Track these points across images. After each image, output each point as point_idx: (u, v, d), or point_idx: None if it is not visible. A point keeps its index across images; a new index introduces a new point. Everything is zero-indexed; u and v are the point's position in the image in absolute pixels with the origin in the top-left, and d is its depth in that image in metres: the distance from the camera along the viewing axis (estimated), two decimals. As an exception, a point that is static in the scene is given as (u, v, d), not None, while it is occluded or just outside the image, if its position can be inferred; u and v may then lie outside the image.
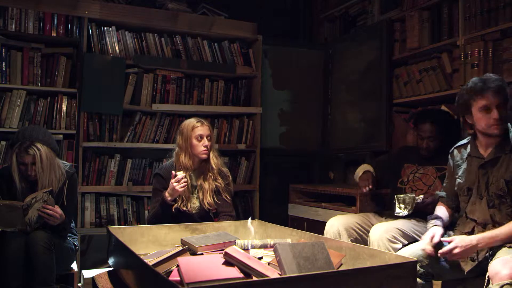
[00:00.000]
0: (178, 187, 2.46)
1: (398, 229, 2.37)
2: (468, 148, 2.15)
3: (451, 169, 2.25)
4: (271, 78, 4.06)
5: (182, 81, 3.63)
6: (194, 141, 2.65)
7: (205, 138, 2.66)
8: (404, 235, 2.37)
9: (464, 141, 2.20)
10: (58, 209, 2.43)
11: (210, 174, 2.69)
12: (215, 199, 2.67)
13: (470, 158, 2.12)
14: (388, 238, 2.31)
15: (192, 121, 2.72)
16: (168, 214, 2.55)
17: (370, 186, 2.74)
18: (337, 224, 2.63)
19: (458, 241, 1.90)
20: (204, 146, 2.65)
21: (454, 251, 1.88)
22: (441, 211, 2.26)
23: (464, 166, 2.15)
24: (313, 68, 4.22)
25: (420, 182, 2.74)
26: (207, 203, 2.64)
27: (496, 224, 1.98)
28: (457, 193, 2.18)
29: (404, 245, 2.33)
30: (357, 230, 2.63)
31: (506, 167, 1.97)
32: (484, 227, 2.01)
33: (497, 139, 2.01)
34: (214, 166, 2.70)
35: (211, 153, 2.70)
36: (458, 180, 2.16)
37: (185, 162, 2.65)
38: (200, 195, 2.66)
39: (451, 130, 2.75)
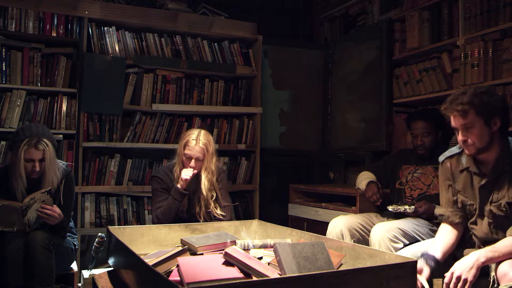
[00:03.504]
0: (184, 174, 2.52)
1: (399, 228, 2.37)
2: (463, 160, 2.01)
3: (448, 181, 2.09)
4: (271, 78, 4.06)
5: (182, 81, 3.63)
6: (183, 158, 2.62)
7: (193, 160, 2.59)
8: (405, 234, 2.37)
9: (455, 149, 2.08)
10: (56, 208, 2.43)
11: (202, 196, 2.64)
12: (213, 215, 2.65)
13: (468, 173, 1.99)
14: (389, 238, 2.31)
15: (189, 135, 2.63)
16: (178, 207, 2.59)
17: (381, 200, 2.76)
18: (340, 225, 2.63)
19: (458, 267, 1.76)
20: (190, 167, 2.59)
21: (454, 277, 1.73)
22: (443, 236, 2.04)
23: (461, 180, 2.02)
24: (313, 68, 4.22)
25: (419, 182, 2.74)
26: (203, 217, 2.64)
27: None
28: (463, 208, 2.05)
29: (405, 245, 2.33)
30: (360, 231, 2.63)
31: (508, 187, 1.86)
32: (485, 245, 1.93)
33: (495, 153, 1.89)
34: (203, 191, 2.62)
35: (203, 176, 2.62)
36: (462, 198, 2.03)
37: (178, 173, 2.63)
38: (197, 208, 2.65)
39: (443, 125, 2.72)
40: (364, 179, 2.89)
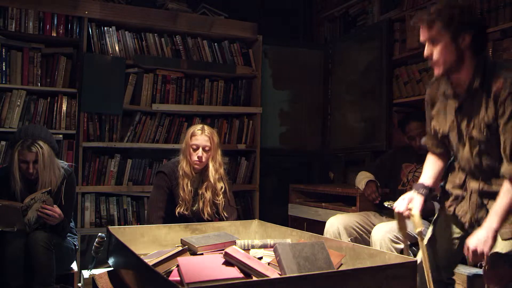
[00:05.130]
0: None
1: None
2: (442, 85, 1.86)
3: (428, 110, 1.96)
4: (271, 78, 4.06)
5: (182, 81, 3.63)
6: (190, 150, 2.62)
7: (200, 149, 2.60)
8: (407, 235, 2.37)
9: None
10: (57, 208, 2.44)
11: (209, 184, 2.65)
12: (219, 212, 2.66)
13: (445, 98, 1.85)
14: (391, 238, 2.30)
15: (194, 127, 2.69)
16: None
17: (379, 199, 2.74)
18: (337, 223, 2.63)
19: (472, 242, 1.66)
20: (197, 157, 2.60)
21: (470, 252, 1.65)
22: (429, 166, 2.00)
23: (437, 105, 1.89)
24: (313, 68, 4.21)
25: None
26: (206, 213, 2.63)
27: (483, 172, 1.76)
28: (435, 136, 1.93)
29: (406, 246, 2.32)
30: (357, 230, 2.63)
31: (486, 108, 1.70)
32: (473, 176, 1.80)
33: (468, 73, 1.73)
34: (211, 179, 2.63)
35: (210, 165, 2.64)
36: (434, 124, 1.91)
37: (185, 169, 2.62)
38: (201, 204, 2.64)
39: None
40: (363, 178, 2.88)
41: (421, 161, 2.76)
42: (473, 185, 1.81)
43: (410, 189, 2.72)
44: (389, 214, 2.70)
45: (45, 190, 2.43)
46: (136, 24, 3.46)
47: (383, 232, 2.34)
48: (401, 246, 2.30)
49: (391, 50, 3.54)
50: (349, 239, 2.55)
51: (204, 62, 3.67)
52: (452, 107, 1.82)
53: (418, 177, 2.71)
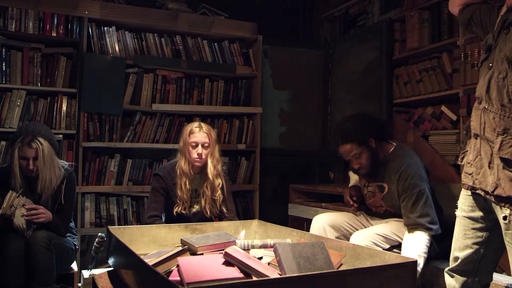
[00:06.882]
0: None
1: (378, 234, 2.32)
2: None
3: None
4: (271, 78, 4.06)
5: (182, 81, 3.63)
6: (189, 147, 2.62)
7: (199, 146, 2.61)
8: (386, 239, 2.33)
9: None
10: (39, 207, 2.42)
11: (208, 182, 2.65)
12: (218, 208, 2.66)
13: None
14: (372, 241, 2.28)
15: (191, 125, 2.69)
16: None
17: (356, 205, 2.61)
18: (322, 221, 2.57)
19: None
20: (197, 154, 2.60)
21: None
22: None
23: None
24: (313, 68, 4.22)
25: (375, 198, 2.54)
26: (209, 211, 2.64)
27: (490, 101, 1.66)
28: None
29: (386, 249, 2.25)
30: (347, 228, 2.58)
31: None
32: (480, 103, 1.70)
33: None
34: (209, 176, 2.64)
35: (209, 161, 2.65)
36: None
37: (183, 167, 2.62)
38: (203, 202, 2.65)
39: (369, 129, 2.42)
40: (351, 181, 2.84)
41: (369, 177, 2.50)
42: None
43: (368, 206, 2.58)
44: (376, 214, 2.63)
45: (19, 193, 2.40)
46: (136, 24, 3.46)
47: (360, 239, 2.26)
48: (380, 249, 2.25)
49: (391, 50, 3.54)
50: (334, 236, 2.52)
51: (204, 62, 3.67)
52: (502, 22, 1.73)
53: (373, 194, 2.53)
